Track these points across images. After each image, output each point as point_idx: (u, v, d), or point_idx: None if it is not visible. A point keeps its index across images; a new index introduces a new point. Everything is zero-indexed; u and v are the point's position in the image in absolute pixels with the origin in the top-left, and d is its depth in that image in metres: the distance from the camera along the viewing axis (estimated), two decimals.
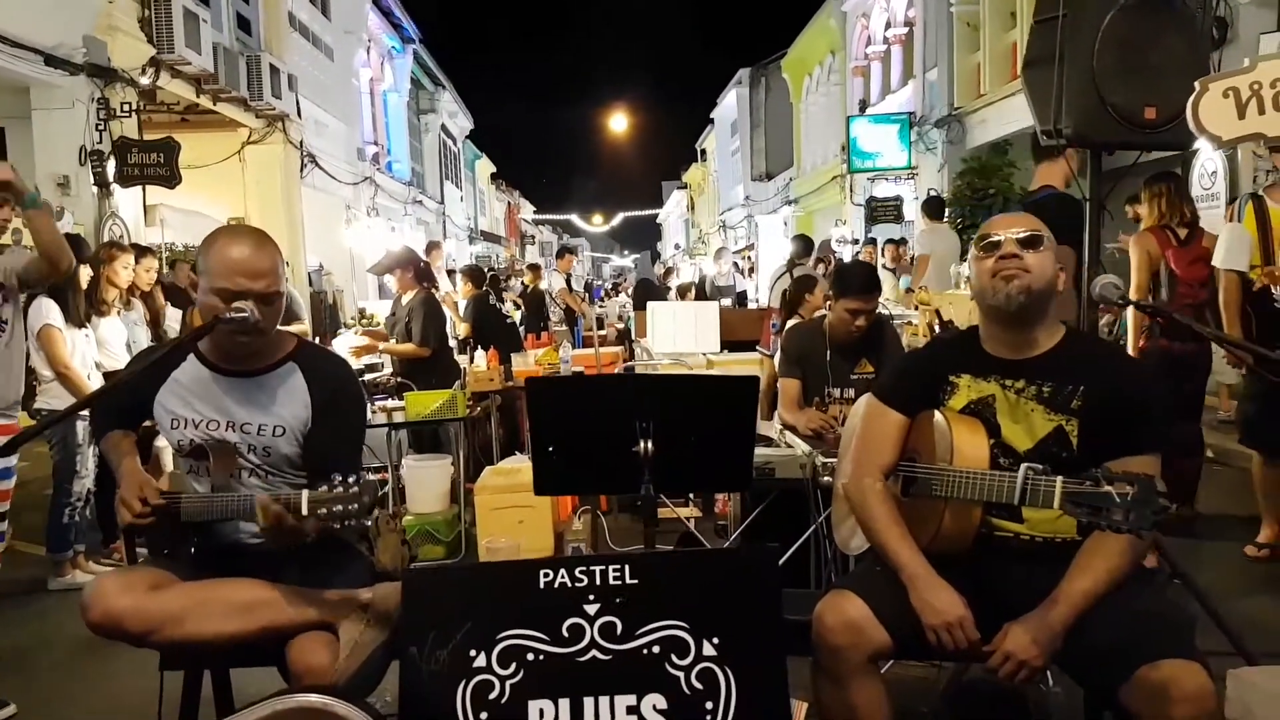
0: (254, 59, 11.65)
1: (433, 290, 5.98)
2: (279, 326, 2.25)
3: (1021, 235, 2.04)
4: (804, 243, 8.87)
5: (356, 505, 1.91)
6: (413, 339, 5.51)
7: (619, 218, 58.06)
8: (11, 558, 5.25)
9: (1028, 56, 3.21)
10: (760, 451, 2.99)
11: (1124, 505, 1.63)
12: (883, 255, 11.56)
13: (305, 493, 1.95)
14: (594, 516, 4.09)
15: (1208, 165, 8.07)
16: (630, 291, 14.95)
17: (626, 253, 73.76)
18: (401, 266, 5.78)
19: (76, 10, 8.69)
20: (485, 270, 10.19)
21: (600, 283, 32.07)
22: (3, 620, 4.18)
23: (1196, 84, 2.72)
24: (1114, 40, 2.87)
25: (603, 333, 9.91)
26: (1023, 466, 1.90)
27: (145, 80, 9.62)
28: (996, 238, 2.06)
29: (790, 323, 5.36)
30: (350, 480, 1.92)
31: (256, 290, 2.08)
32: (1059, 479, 1.78)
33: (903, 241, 11.98)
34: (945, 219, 9.51)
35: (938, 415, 2.13)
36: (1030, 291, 2.01)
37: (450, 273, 11.88)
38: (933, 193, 13.68)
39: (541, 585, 1.87)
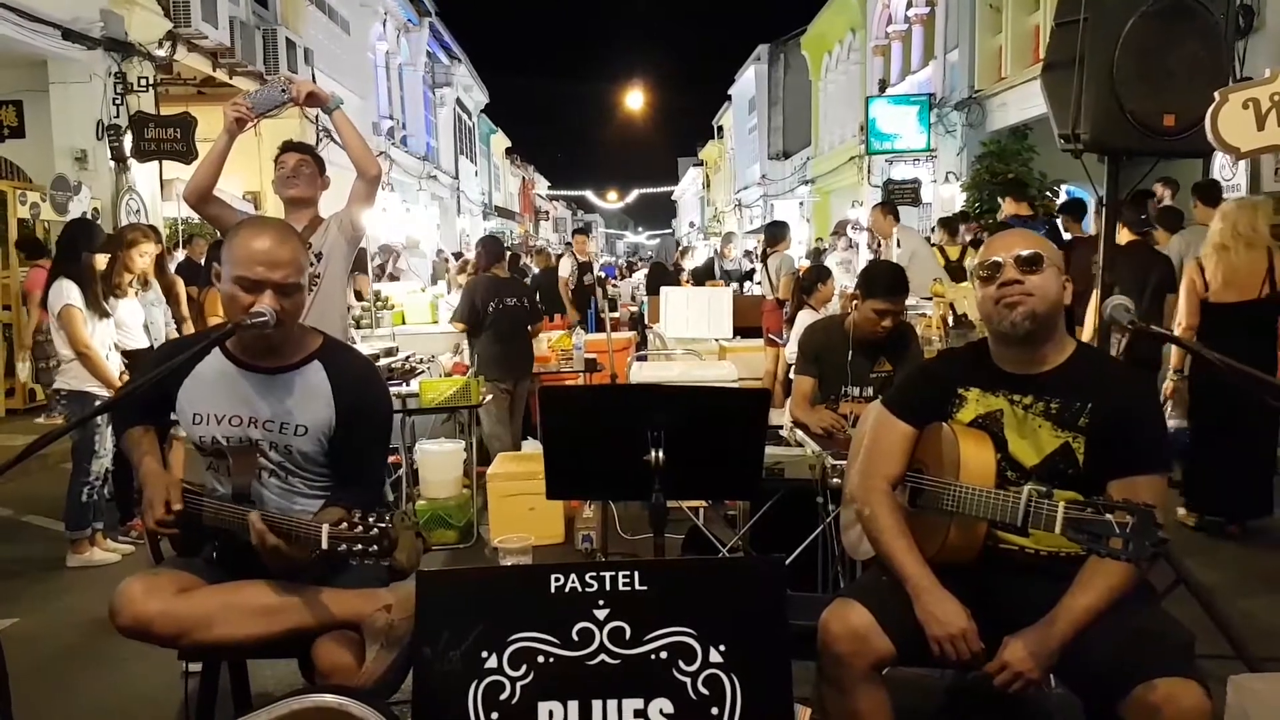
0: (270, 32, 11.65)
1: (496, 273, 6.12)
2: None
3: (1022, 256, 2.04)
4: (776, 228, 9.10)
5: (376, 547, 1.92)
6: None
7: (634, 194, 57.83)
8: (30, 533, 5.35)
9: (1047, 59, 3.20)
10: (770, 451, 3.00)
11: (1123, 535, 1.65)
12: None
13: (325, 528, 1.95)
14: (604, 505, 4.13)
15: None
16: (646, 273, 14.87)
17: (641, 229, 73.49)
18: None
19: None
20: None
21: (614, 260, 31.95)
22: (21, 598, 4.22)
23: (1216, 94, 2.69)
24: (1134, 46, 2.85)
25: (616, 315, 9.89)
26: (1025, 488, 1.92)
27: (162, 54, 9.62)
28: (997, 259, 2.06)
29: (802, 315, 5.38)
30: (371, 520, 1.93)
31: (275, 280, 2.09)
32: (1060, 504, 1.80)
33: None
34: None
35: (945, 428, 2.15)
36: (1035, 316, 2.02)
37: (457, 255, 11.73)
38: (955, 181, 13.60)
39: (553, 589, 1.91)
